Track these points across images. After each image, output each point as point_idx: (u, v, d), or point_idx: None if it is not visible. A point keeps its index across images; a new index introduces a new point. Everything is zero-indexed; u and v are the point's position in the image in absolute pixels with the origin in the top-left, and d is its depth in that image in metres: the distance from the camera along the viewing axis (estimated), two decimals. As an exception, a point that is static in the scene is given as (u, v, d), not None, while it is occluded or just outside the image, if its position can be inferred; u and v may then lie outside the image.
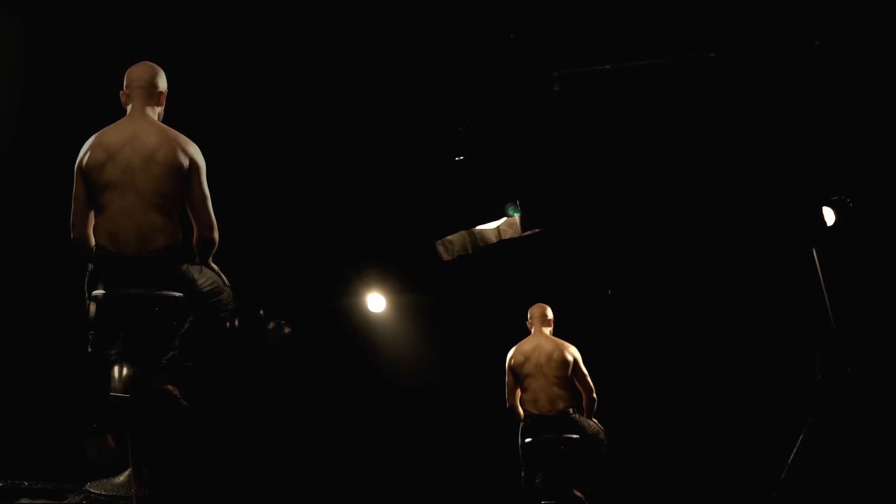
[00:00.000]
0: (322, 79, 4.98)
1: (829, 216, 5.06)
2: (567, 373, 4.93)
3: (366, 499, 5.39)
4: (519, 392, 5.01)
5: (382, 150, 5.57)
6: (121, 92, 3.05)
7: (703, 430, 5.80)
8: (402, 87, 5.16)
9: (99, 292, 2.89)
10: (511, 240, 6.29)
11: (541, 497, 4.87)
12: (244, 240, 4.44)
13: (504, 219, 6.29)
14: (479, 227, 6.29)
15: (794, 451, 4.57)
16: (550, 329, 5.12)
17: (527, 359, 4.98)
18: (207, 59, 4.51)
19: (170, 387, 2.93)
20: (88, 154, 2.90)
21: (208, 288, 3.00)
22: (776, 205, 5.42)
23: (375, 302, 6.40)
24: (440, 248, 6.22)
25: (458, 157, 5.76)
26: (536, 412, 4.90)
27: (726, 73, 5.01)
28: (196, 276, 2.97)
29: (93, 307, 2.90)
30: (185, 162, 2.90)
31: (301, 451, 5.02)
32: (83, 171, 2.89)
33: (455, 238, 6.25)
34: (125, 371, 2.87)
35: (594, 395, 5.01)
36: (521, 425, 5.01)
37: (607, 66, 5.06)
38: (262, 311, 5.58)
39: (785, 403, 5.20)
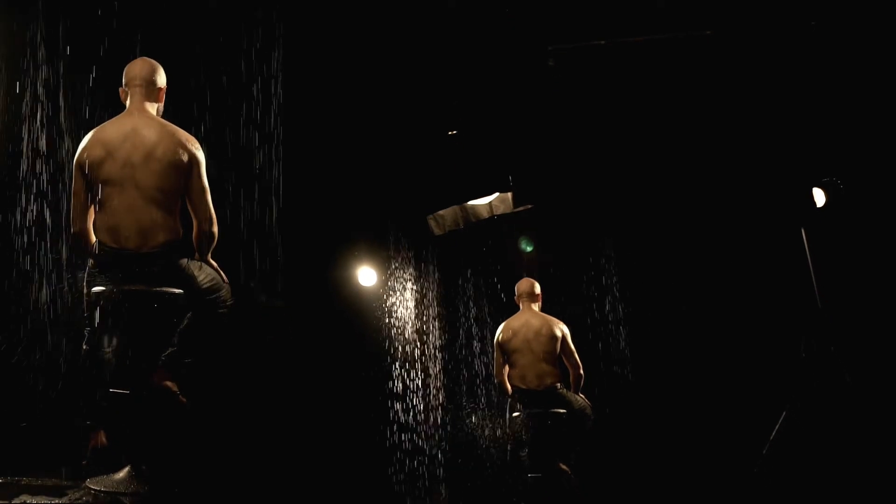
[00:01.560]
0: (315, 52, 4.94)
1: (819, 197, 5.08)
2: (555, 348, 4.97)
3: (361, 477, 5.41)
4: (507, 367, 5.05)
5: (375, 123, 5.54)
6: (120, 89, 3.05)
7: (688, 406, 5.88)
8: (395, 60, 5.12)
9: (99, 288, 2.89)
10: (503, 215, 6.30)
11: (527, 470, 4.94)
12: (236, 214, 4.43)
13: (496, 194, 6.29)
14: (471, 203, 6.28)
15: (777, 426, 4.64)
16: (538, 304, 5.15)
17: (515, 335, 5.02)
18: (196, 33, 4.46)
19: (169, 383, 2.94)
20: (87, 150, 2.90)
21: (207, 284, 3.02)
22: (767, 185, 5.44)
23: (366, 276, 6.41)
24: (432, 223, 6.22)
25: (451, 131, 5.74)
26: (524, 387, 4.95)
27: (721, 51, 4.99)
28: (196, 272, 2.99)
29: (93, 303, 2.90)
30: (185, 157, 2.92)
31: (297, 437, 5.03)
32: (82, 166, 2.89)
33: (447, 213, 6.25)
34: (124, 367, 2.87)
35: (581, 371, 5.05)
36: (508, 400, 5.06)
37: (602, 42, 5.03)
38: (251, 284, 5.58)
39: (769, 380, 5.26)
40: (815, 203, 5.07)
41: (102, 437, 2.90)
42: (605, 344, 6.31)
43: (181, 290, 2.93)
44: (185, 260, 2.98)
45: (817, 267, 4.90)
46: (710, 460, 5.44)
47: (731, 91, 5.20)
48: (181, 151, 2.91)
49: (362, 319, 6.30)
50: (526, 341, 4.98)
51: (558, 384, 4.97)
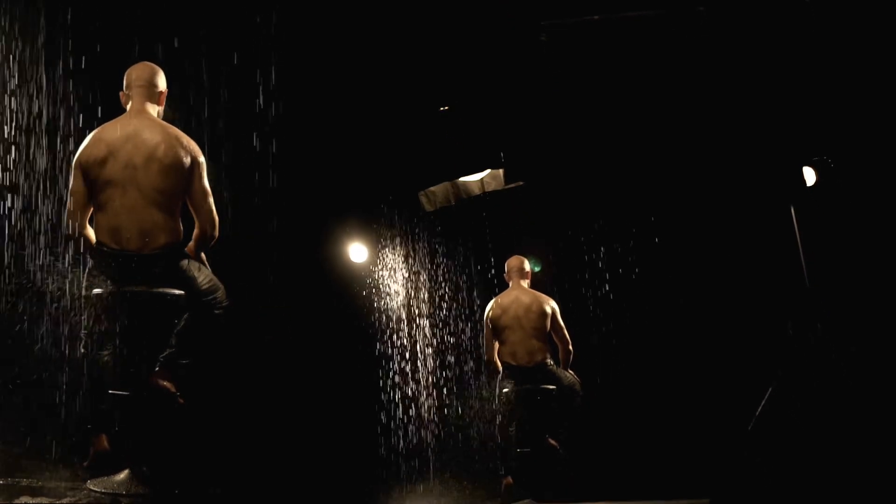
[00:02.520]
0: (308, 27, 4.89)
1: (809, 176, 5.09)
2: (545, 325, 5.00)
3: (352, 465, 5.45)
4: (497, 344, 5.08)
5: (366, 99, 5.50)
6: (121, 93, 3.06)
7: (676, 382, 5.93)
8: (387, 36, 5.07)
9: (100, 289, 2.90)
10: (494, 192, 6.30)
11: (517, 446, 4.99)
12: (228, 195, 4.41)
13: (488, 171, 6.27)
14: (462, 179, 6.28)
15: (763, 403, 4.69)
16: (528, 281, 5.17)
17: (505, 311, 5.04)
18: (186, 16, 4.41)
19: (167, 384, 2.96)
20: (88, 150, 2.89)
21: (206, 286, 3.04)
22: (757, 163, 5.44)
23: (357, 252, 6.41)
24: (423, 199, 6.21)
25: (443, 107, 5.71)
26: (514, 363, 4.98)
27: (713, 27, 4.96)
28: (196, 273, 3.02)
29: (93, 304, 2.91)
30: (186, 159, 2.93)
31: (295, 434, 5.06)
32: (83, 166, 2.89)
33: (438, 189, 6.24)
34: (124, 368, 2.88)
35: (570, 347, 5.09)
36: (498, 376, 5.10)
37: (595, 17, 4.99)
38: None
39: (755, 358, 5.31)
40: (805, 182, 5.08)
41: (104, 442, 2.89)
42: (596, 320, 6.34)
43: (182, 292, 2.95)
44: (186, 261, 3.00)
45: (806, 246, 4.93)
46: (697, 437, 5.50)
47: (723, 68, 5.17)
48: (182, 154, 2.93)
49: (353, 296, 6.30)
50: (516, 318, 5.00)
51: (548, 360, 5.00)
